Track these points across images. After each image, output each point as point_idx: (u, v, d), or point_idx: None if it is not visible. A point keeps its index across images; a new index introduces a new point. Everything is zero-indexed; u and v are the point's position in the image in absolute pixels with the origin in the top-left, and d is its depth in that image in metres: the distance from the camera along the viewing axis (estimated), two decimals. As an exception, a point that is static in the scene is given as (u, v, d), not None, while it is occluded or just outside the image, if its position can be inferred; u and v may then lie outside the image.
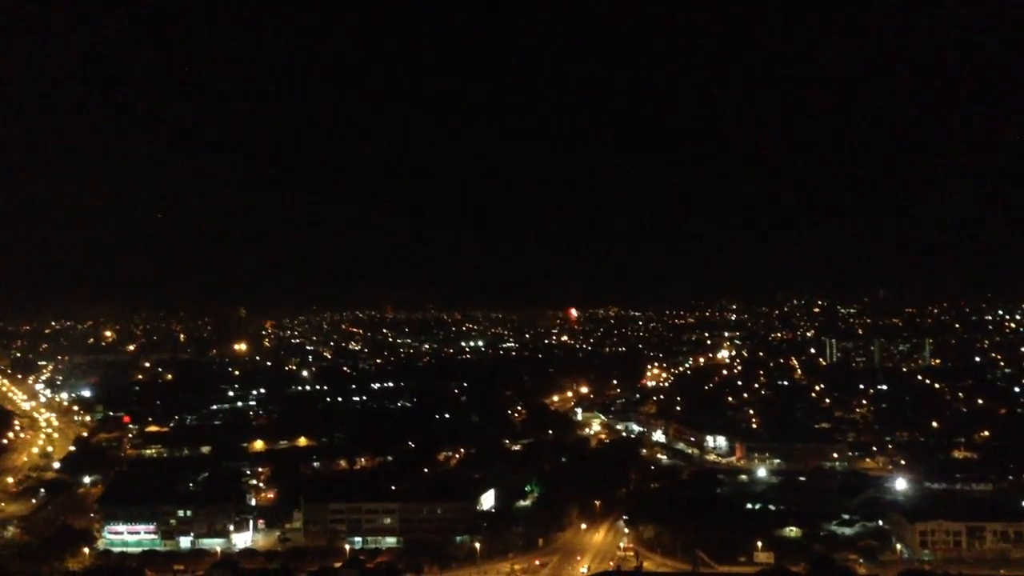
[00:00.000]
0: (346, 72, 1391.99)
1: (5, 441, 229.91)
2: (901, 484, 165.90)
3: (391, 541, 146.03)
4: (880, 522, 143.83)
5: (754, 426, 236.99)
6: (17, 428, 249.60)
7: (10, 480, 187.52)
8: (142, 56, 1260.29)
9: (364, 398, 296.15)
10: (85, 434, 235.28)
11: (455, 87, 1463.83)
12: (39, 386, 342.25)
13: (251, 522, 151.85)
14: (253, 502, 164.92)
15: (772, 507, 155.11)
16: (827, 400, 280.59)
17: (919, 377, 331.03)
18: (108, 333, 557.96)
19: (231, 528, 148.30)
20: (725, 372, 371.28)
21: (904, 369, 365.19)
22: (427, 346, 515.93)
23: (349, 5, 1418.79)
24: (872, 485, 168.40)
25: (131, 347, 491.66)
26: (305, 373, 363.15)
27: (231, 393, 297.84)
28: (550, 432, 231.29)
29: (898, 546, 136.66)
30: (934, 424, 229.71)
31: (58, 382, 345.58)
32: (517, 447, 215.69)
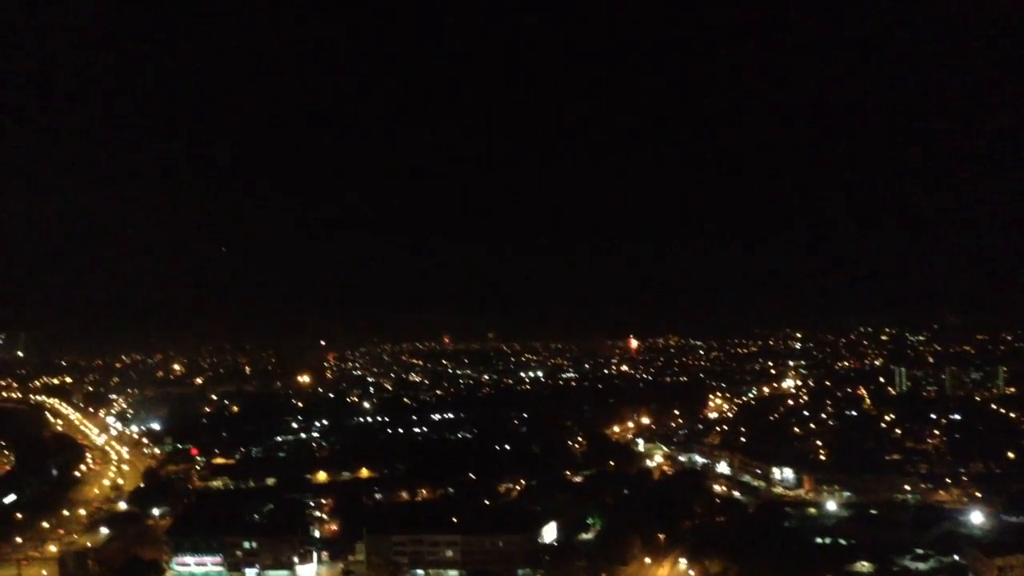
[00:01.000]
0: (402, 102, 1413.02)
1: (78, 474, 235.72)
2: (977, 517, 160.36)
3: (453, 574, 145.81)
4: (956, 557, 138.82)
5: (822, 457, 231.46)
6: (89, 461, 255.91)
7: (82, 512, 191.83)
8: (203, 96, 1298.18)
9: (425, 429, 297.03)
10: (154, 466, 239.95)
11: (507, 111, 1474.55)
12: (110, 419, 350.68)
13: (315, 554, 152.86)
14: (317, 533, 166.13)
15: (842, 541, 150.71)
16: (898, 430, 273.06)
17: (993, 406, 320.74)
18: (176, 367, 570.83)
19: (296, 560, 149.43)
20: (791, 402, 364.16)
21: (977, 398, 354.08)
22: (487, 377, 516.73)
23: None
24: (947, 518, 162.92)
25: (198, 380, 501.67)
26: (366, 404, 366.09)
27: (295, 425, 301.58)
28: (611, 463, 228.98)
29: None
30: (1010, 454, 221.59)
31: (128, 415, 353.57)
32: (578, 478, 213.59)
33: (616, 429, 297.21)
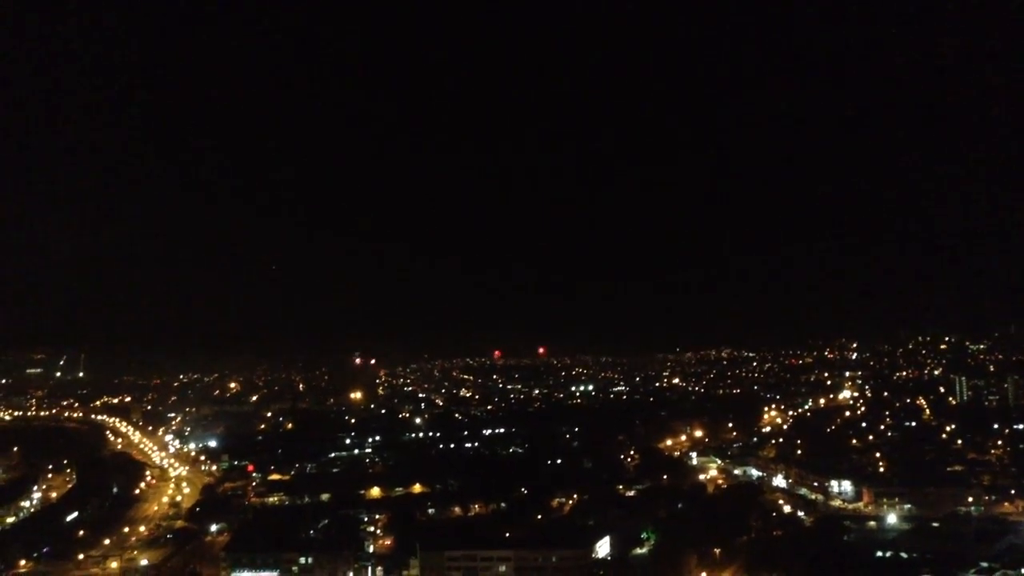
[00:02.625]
0: (455, 119, 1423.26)
1: (137, 492, 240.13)
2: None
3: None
4: (1022, 571, 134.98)
5: (881, 470, 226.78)
6: (148, 478, 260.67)
7: (142, 529, 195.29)
8: (259, 118, 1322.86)
9: (476, 444, 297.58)
10: (211, 483, 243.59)
11: (555, 126, 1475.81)
12: (168, 437, 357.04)
13: (369, 569, 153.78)
14: (371, 549, 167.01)
15: (904, 555, 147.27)
16: (959, 441, 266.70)
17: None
18: (232, 385, 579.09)
19: (350, 574, 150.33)
20: (848, 413, 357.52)
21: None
22: (537, 391, 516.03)
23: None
24: (1012, 531, 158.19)
25: (254, 398, 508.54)
26: (418, 420, 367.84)
27: (348, 441, 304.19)
28: (665, 477, 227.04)
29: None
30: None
31: (186, 433, 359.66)
32: (631, 493, 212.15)
33: (669, 443, 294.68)
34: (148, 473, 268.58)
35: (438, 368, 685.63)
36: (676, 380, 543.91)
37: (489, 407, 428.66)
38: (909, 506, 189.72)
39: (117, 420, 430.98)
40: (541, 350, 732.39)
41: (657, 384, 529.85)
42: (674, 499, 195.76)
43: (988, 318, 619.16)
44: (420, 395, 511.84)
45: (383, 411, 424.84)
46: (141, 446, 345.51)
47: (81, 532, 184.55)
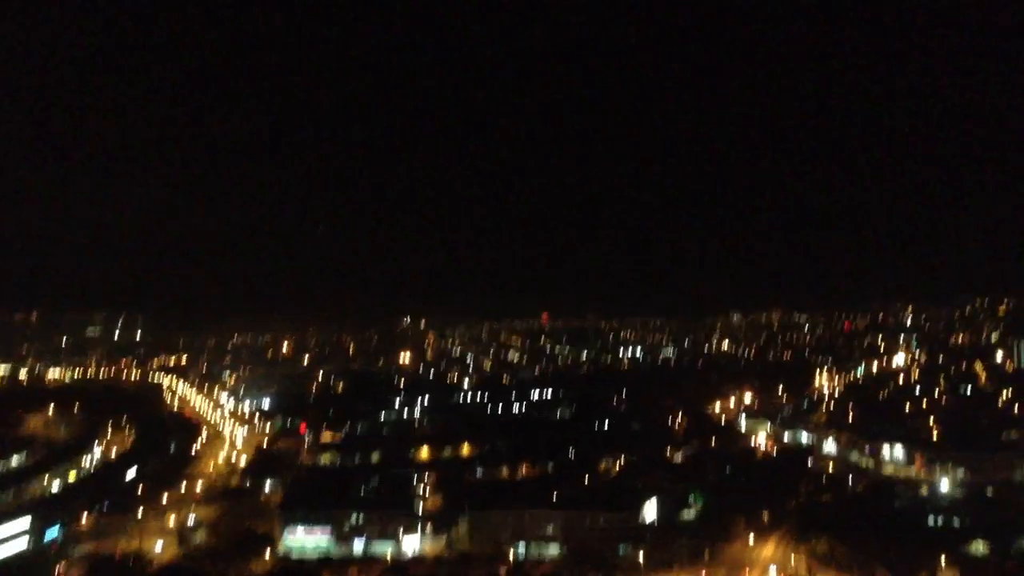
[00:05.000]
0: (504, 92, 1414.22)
1: (193, 450, 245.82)
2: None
3: (554, 549, 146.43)
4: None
5: (935, 436, 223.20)
6: (204, 437, 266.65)
7: (198, 486, 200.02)
8: (308, 91, 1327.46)
9: (524, 407, 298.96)
10: (265, 443, 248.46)
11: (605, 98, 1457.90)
12: (223, 397, 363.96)
13: (419, 527, 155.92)
14: (420, 508, 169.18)
15: (957, 522, 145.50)
16: (1016, 407, 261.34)
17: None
18: (285, 346, 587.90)
19: (401, 532, 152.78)
20: (901, 378, 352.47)
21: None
22: (585, 354, 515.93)
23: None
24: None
25: (305, 359, 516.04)
26: (466, 383, 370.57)
27: (397, 403, 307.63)
28: (714, 441, 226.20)
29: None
30: None
31: (240, 393, 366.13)
32: (679, 457, 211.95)
33: (717, 407, 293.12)
34: (203, 432, 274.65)
35: (486, 330, 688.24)
36: (725, 344, 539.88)
37: (537, 370, 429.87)
38: (962, 473, 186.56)
39: (174, 379, 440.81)
40: (589, 314, 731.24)
41: (706, 347, 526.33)
42: (722, 463, 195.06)
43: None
44: (468, 357, 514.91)
45: (431, 373, 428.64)
46: (196, 406, 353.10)
47: (140, 488, 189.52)
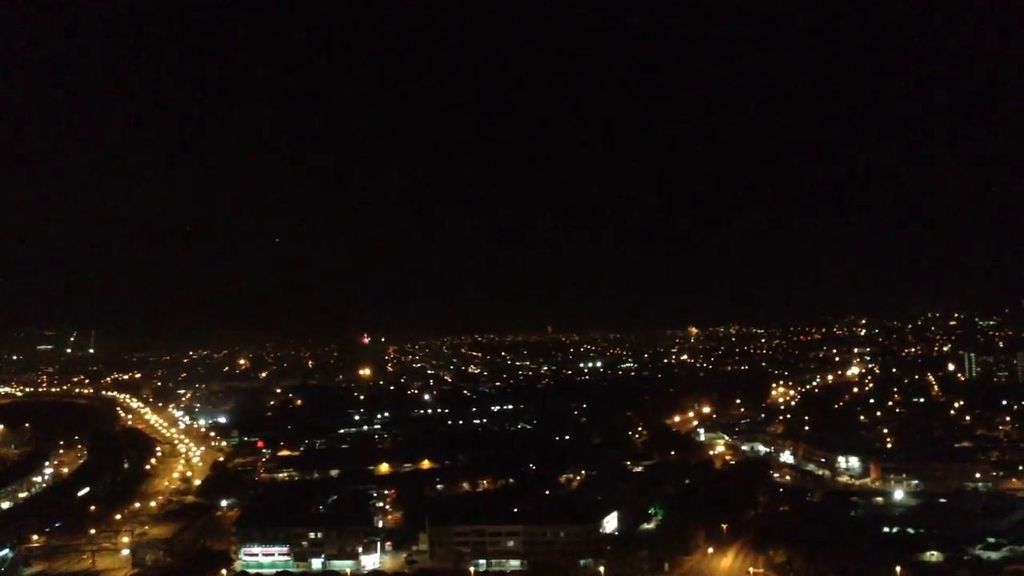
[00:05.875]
0: (454, 95, 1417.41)
1: (148, 467, 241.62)
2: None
3: (515, 564, 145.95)
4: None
5: (889, 446, 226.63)
6: (159, 454, 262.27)
7: (153, 504, 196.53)
8: (264, 90, 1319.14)
9: (485, 421, 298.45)
10: (221, 459, 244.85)
11: (555, 102, 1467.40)
12: (178, 413, 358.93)
13: (379, 544, 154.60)
14: (380, 524, 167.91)
15: (911, 530, 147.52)
16: (967, 417, 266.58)
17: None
18: (242, 361, 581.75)
19: (360, 550, 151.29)
20: (856, 389, 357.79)
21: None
22: (546, 368, 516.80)
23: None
24: (1019, 507, 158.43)
25: (263, 374, 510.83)
26: (427, 397, 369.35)
27: (357, 417, 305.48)
28: (673, 453, 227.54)
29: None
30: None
31: (196, 409, 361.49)
32: (639, 469, 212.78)
33: (677, 419, 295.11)
34: (159, 449, 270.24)
35: (447, 344, 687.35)
36: (684, 357, 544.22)
37: (498, 384, 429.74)
38: (916, 482, 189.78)
39: (127, 396, 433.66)
40: (549, 328, 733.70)
41: (665, 360, 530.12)
42: (682, 475, 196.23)
43: (998, 294, 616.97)
44: (429, 371, 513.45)
45: (392, 387, 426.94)
46: (151, 422, 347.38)
47: (92, 507, 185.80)
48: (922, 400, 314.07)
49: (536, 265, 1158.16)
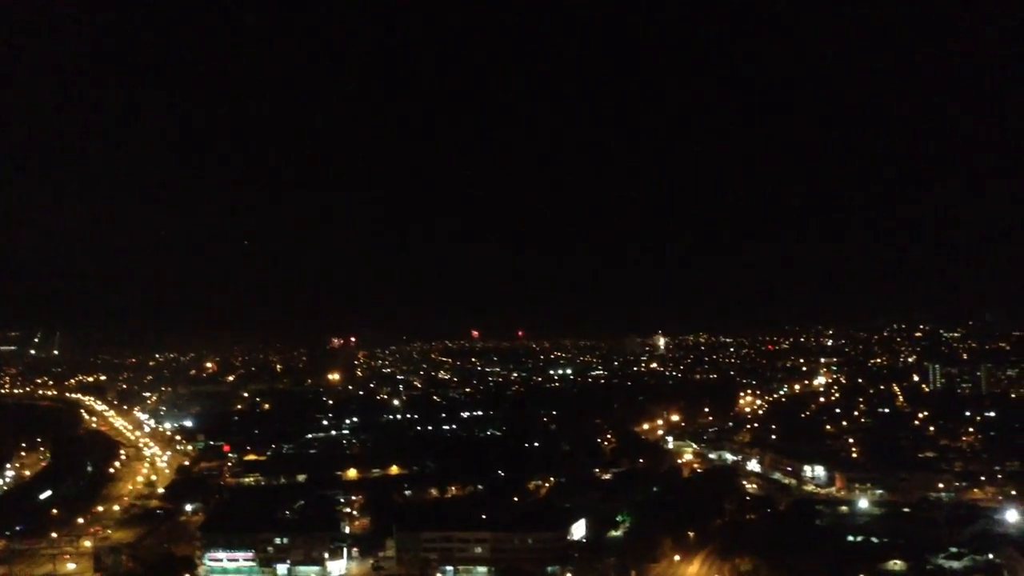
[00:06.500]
0: (431, 102, 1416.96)
1: (112, 470, 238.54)
2: (1013, 516, 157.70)
3: (482, 570, 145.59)
4: (991, 556, 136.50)
5: (854, 455, 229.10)
6: (123, 457, 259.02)
7: (116, 508, 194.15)
8: (234, 97, 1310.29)
9: (454, 427, 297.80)
10: (187, 463, 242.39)
11: (533, 111, 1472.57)
12: (143, 416, 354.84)
13: (345, 550, 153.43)
14: (347, 530, 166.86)
15: (875, 539, 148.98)
16: (932, 428, 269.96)
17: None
18: (209, 365, 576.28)
19: (326, 556, 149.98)
20: (822, 399, 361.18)
21: (1013, 395, 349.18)
22: (516, 374, 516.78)
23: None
24: (982, 517, 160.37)
25: (230, 378, 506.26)
26: (396, 402, 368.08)
27: (325, 422, 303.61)
28: (641, 461, 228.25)
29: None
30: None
31: (161, 412, 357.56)
32: (608, 476, 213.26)
33: (646, 427, 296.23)
34: (123, 452, 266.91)
35: (417, 350, 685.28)
36: (654, 365, 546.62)
37: (467, 389, 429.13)
38: (881, 491, 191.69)
39: (91, 399, 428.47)
40: (520, 333, 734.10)
41: (635, 368, 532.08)
42: (650, 482, 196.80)
43: (962, 306, 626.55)
44: (399, 377, 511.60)
45: (361, 392, 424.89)
46: (116, 425, 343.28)
47: (54, 511, 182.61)
48: (887, 410, 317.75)
49: (508, 271, 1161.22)
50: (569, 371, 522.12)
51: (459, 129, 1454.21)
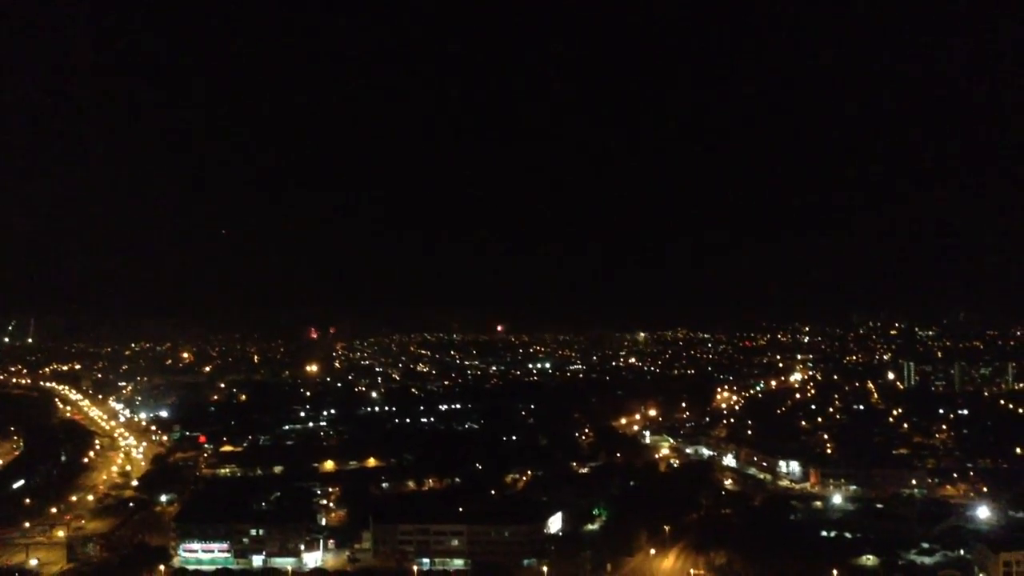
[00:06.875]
0: (413, 101, 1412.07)
1: (86, 460, 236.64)
2: (984, 512, 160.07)
3: (459, 563, 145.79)
4: (962, 552, 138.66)
5: (829, 451, 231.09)
6: (97, 447, 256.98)
7: (90, 498, 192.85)
8: (216, 91, 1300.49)
9: (432, 420, 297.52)
10: (162, 453, 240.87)
11: (514, 110, 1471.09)
12: (119, 406, 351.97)
13: (321, 542, 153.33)
14: (323, 522, 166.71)
15: (848, 535, 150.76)
16: (905, 425, 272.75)
17: (1001, 401, 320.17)
18: (185, 355, 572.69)
19: (302, 547, 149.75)
20: (798, 396, 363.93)
21: (986, 393, 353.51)
22: (494, 368, 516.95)
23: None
24: (953, 513, 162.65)
25: (207, 368, 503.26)
26: (374, 394, 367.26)
27: (303, 414, 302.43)
28: (618, 455, 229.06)
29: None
30: (1018, 450, 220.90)
31: (137, 402, 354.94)
32: (585, 470, 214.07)
33: (623, 421, 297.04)
34: (97, 442, 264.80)
35: (396, 343, 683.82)
36: (632, 360, 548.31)
37: (446, 382, 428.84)
38: (854, 487, 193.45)
39: (66, 388, 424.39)
40: (499, 327, 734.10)
41: (614, 363, 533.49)
42: (626, 477, 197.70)
43: (937, 305, 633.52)
44: (377, 369, 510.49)
45: (339, 384, 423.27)
46: (91, 414, 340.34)
47: (28, 500, 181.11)
48: (862, 407, 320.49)
49: (488, 265, 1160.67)
50: (548, 365, 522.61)
51: (438, 123, 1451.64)
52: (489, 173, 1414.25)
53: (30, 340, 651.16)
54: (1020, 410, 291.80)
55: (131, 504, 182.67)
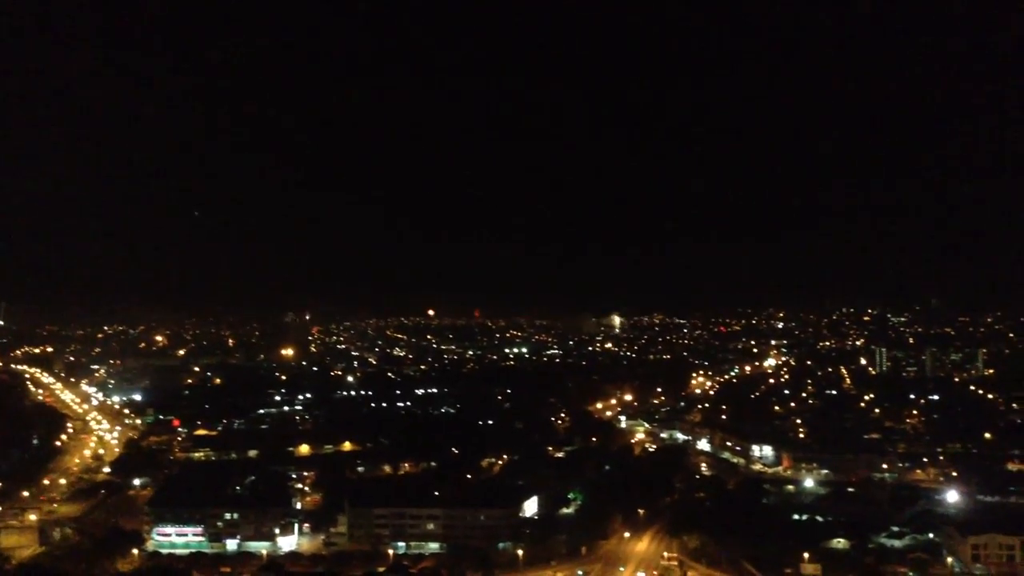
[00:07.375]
0: (401, 92, 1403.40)
1: (58, 443, 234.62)
2: (953, 496, 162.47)
3: (434, 547, 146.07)
4: (931, 535, 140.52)
5: (801, 436, 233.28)
6: (70, 430, 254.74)
7: (63, 482, 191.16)
8: (193, 65, 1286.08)
9: (408, 404, 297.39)
10: (136, 437, 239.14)
11: (502, 93, 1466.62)
12: (91, 389, 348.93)
13: (296, 526, 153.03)
14: (299, 506, 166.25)
15: (820, 518, 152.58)
16: (877, 410, 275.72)
17: (972, 387, 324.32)
18: (159, 338, 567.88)
19: (277, 531, 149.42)
20: (772, 381, 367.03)
21: (956, 379, 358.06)
22: (471, 352, 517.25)
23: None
24: (923, 497, 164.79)
25: (181, 352, 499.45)
26: (350, 378, 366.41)
27: (278, 398, 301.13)
28: (594, 439, 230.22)
29: (949, 560, 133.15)
30: (987, 435, 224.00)
31: (110, 386, 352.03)
32: (560, 454, 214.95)
33: (599, 406, 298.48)
34: (70, 425, 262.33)
35: (372, 327, 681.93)
36: (609, 345, 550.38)
37: (423, 367, 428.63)
38: (826, 471, 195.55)
39: (38, 371, 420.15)
40: (476, 312, 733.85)
41: (590, 348, 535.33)
42: (602, 461, 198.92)
43: (910, 293, 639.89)
44: (353, 353, 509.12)
45: (315, 368, 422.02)
46: (63, 398, 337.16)
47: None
48: (834, 392, 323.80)
49: (465, 250, 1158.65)
50: (524, 350, 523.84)
51: (422, 111, 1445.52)
52: (470, 163, 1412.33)
53: (1, 323, 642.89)
54: (990, 396, 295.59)
55: (104, 488, 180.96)
